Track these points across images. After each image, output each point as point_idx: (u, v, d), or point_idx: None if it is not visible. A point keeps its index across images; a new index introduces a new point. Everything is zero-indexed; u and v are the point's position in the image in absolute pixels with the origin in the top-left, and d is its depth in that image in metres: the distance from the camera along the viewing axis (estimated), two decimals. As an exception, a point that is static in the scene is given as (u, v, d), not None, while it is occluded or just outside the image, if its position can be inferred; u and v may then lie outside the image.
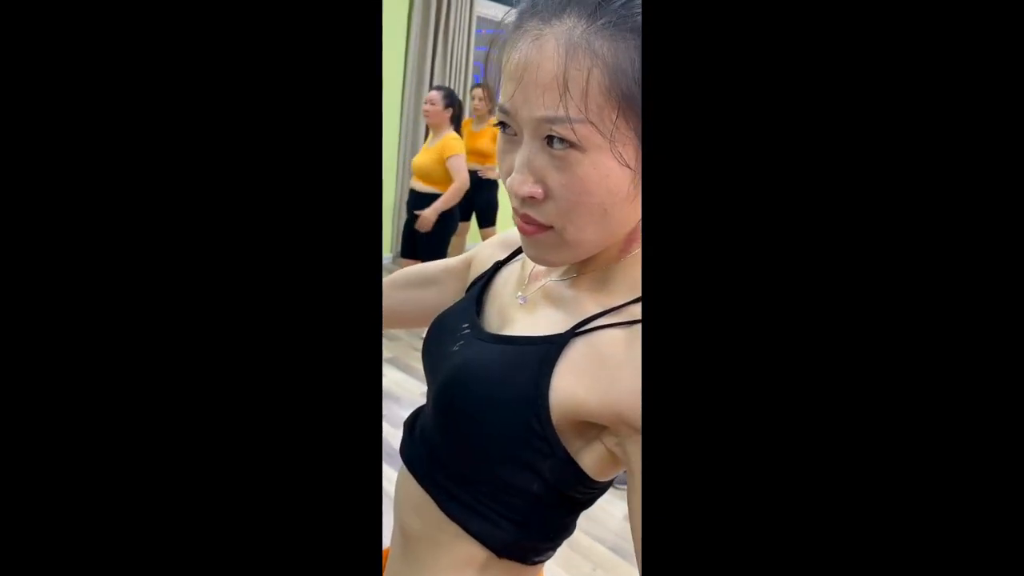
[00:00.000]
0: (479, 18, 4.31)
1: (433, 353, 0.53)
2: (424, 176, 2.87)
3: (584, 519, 1.31)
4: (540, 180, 0.40)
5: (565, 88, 0.37)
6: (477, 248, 0.62)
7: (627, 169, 0.39)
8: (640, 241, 0.44)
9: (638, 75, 0.37)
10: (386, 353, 2.86)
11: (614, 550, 1.67)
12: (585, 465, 0.43)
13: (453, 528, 0.46)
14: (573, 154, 0.39)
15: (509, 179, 0.41)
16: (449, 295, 0.61)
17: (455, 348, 0.49)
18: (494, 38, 0.44)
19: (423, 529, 0.49)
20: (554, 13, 0.38)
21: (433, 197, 2.86)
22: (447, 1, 3.94)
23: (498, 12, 4.54)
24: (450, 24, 4.01)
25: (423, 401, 1.30)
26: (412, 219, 2.91)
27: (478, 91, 3.24)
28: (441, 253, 2.83)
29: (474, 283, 0.57)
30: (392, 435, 2.11)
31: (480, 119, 3.28)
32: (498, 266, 0.56)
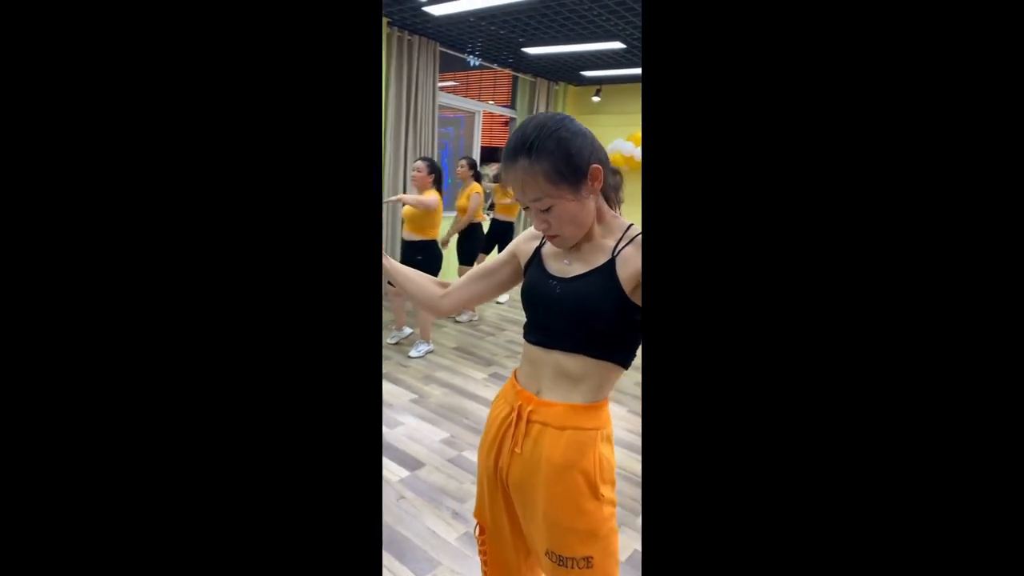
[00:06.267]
0: (440, 105, 5.10)
1: (537, 301, 0.95)
2: (415, 227, 3.45)
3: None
4: (545, 223, 0.89)
5: (532, 187, 0.85)
6: (515, 242, 1.05)
7: (573, 201, 0.86)
8: (606, 214, 0.93)
9: (557, 165, 0.83)
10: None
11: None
12: (636, 300, 0.87)
13: (581, 358, 0.90)
14: (551, 209, 0.86)
15: (533, 227, 0.93)
16: (505, 277, 1.05)
17: (557, 291, 0.92)
18: (499, 170, 0.93)
19: (575, 367, 0.90)
20: (515, 157, 0.85)
21: (422, 242, 3.44)
22: (416, 93, 4.71)
23: (454, 102, 5.35)
24: (418, 110, 4.76)
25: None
26: (407, 261, 3.42)
27: (463, 161, 4.16)
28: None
29: (530, 261, 1.00)
30: (386, 433, 2.54)
31: (465, 182, 4.18)
32: (538, 248, 1.00)
